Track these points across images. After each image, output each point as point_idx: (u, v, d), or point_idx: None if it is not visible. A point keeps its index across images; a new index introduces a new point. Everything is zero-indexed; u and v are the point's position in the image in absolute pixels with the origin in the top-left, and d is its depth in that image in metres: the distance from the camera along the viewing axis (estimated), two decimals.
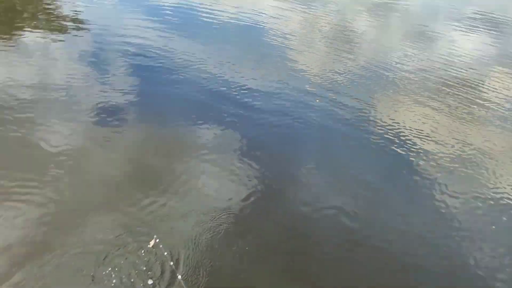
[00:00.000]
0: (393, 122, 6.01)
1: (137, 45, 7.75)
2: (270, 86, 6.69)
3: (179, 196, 4.28)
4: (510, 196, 4.87)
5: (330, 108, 6.07)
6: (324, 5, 13.84)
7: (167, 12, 10.23)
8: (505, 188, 5.02)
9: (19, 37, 7.67)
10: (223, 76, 6.84)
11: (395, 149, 5.42)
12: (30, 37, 7.67)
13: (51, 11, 9.41)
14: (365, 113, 6.17)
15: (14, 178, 4.21)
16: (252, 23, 9.86)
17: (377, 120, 6.02)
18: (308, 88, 6.61)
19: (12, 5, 9.52)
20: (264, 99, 6.24)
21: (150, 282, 3.33)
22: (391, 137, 5.61)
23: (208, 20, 9.90)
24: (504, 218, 4.49)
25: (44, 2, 10.11)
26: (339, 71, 7.57)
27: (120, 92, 6.00)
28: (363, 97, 6.73)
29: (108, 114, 5.47)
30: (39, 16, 8.97)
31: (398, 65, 8.69)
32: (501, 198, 4.82)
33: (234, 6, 11.30)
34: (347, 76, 7.44)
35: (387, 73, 8.02)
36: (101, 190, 4.28)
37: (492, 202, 4.74)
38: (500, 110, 7.13)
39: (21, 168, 4.38)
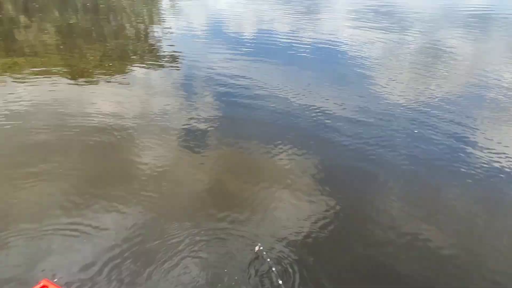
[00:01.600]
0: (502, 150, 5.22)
1: (221, 75, 8.30)
2: (352, 111, 6.39)
3: (259, 216, 4.30)
4: None
5: (428, 136, 5.40)
6: (406, 27, 13.28)
7: (248, 43, 10.96)
8: None
9: (129, 72, 8.86)
10: (302, 100, 6.83)
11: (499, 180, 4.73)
12: (137, 72, 8.86)
13: (154, 49, 10.92)
14: (469, 141, 5.40)
15: (115, 189, 4.77)
16: (331, 48, 9.86)
17: (487, 154, 5.17)
18: (400, 115, 6.07)
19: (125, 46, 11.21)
20: (347, 125, 5.95)
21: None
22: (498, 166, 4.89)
23: (286, 47, 10.40)
24: None
25: (149, 42, 11.89)
26: (431, 94, 6.85)
27: (205, 119, 6.41)
28: (465, 121, 5.94)
29: (193, 138, 5.85)
30: (145, 55, 10.37)
31: (497, 82, 7.65)
32: None
33: (312, 33, 11.65)
34: (443, 99, 6.68)
35: (486, 92, 7.13)
36: (185, 204, 4.57)
37: None
38: None
39: (120, 180, 4.94)
